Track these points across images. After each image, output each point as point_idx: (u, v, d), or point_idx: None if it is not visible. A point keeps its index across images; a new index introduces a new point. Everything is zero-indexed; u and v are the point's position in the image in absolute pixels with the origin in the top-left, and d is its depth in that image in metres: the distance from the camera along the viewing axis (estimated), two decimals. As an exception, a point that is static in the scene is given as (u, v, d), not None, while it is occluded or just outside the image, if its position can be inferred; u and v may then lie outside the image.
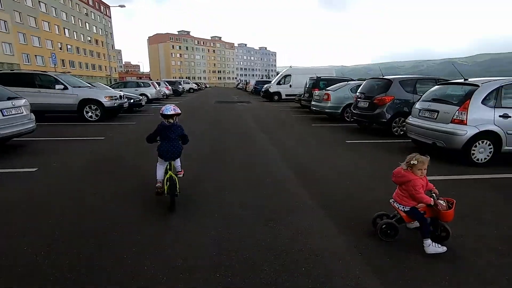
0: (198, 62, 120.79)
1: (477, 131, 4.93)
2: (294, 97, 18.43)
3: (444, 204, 2.52)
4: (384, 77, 8.35)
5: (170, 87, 26.62)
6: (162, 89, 22.90)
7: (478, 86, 5.12)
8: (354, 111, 8.87)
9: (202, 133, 8.17)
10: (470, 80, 5.59)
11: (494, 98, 5.02)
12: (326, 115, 11.14)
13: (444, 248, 2.47)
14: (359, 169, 4.95)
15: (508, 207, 3.45)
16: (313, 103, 11.83)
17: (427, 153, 2.62)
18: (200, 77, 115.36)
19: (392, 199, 2.73)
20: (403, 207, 2.61)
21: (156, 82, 23.03)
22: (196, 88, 43.90)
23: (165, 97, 23.60)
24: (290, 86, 20.82)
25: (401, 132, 7.73)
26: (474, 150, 5.03)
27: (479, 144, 5.01)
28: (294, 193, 3.83)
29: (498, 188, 4.06)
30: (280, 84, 21.32)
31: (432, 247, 2.47)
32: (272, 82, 22.49)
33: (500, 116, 4.93)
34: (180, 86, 31.63)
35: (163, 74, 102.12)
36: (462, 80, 5.70)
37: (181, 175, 3.67)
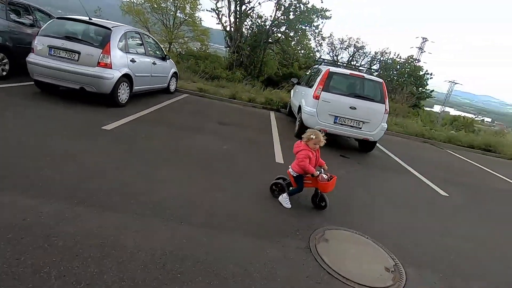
0: None
1: (120, 74, 5.35)
2: None
3: (326, 178, 2.89)
4: None
5: None
6: None
7: (110, 29, 5.31)
8: None
9: None
10: (95, 20, 5.54)
11: (124, 43, 5.59)
12: None
13: (289, 206, 2.97)
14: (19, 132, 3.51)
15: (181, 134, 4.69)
16: None
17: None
18: None
19: (290, 166, 3.04)
20: (293, 172, 2.96)
21: None
22: None
23: None
24: None
25: (4, 73, 5.83)
26: (119, 92, 5.49)
27: (121, 86, 5.53)
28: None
29: (149, 123, 5.16)
30: None
31: (283, 198, 3.00)
32: None
33: (130, 60, 5.68)
34: None
35: None
36: (87, 19, 5.46)
37: None
